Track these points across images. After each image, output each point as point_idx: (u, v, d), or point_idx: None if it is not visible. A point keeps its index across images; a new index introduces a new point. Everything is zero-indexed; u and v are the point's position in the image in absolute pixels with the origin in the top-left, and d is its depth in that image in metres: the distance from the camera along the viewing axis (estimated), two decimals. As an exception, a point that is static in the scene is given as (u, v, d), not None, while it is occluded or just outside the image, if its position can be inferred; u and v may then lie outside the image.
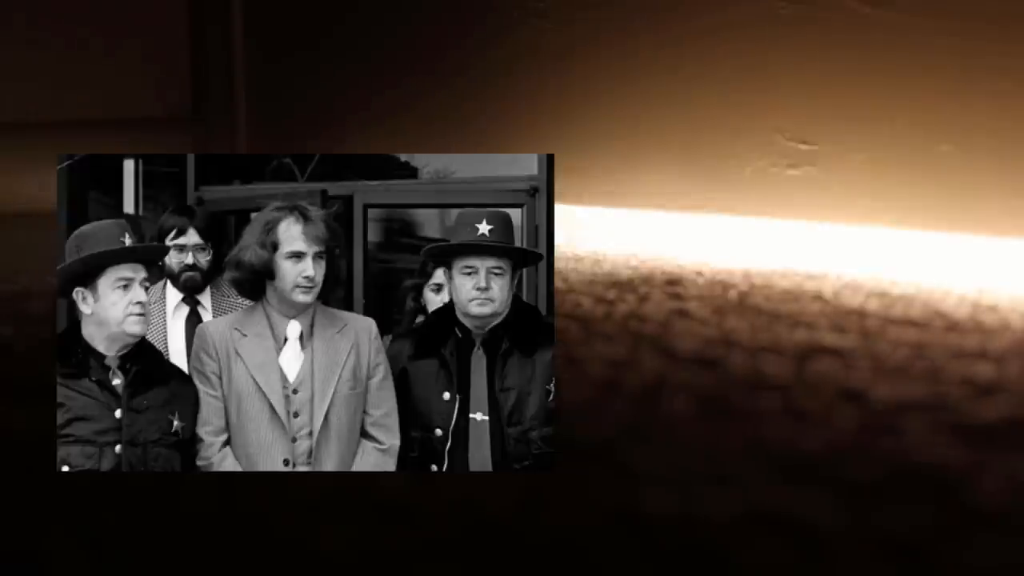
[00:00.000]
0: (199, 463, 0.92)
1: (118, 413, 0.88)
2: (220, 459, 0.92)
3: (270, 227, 0.94)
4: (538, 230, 1.58)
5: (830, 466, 0.74)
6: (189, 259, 1.26)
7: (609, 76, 1.76)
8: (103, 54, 2.22)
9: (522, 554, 0.62)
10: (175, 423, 0.90)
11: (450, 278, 1.00)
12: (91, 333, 0.90)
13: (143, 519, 0.67)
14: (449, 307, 1.01)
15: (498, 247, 0.98)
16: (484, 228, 0.99)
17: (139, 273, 0.90)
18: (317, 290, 0.94)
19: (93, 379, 0.88)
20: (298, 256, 0.93)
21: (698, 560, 0.61)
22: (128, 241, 0.90)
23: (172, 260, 1.25)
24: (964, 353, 1.01)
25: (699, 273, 1.43)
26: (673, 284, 1.36)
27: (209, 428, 0.92)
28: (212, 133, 2.28)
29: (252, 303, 0.96)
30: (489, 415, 0.97)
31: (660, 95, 1.71)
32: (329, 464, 0.92)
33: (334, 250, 0.95)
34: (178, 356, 1.21)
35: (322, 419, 0.93)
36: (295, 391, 0.93)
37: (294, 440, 0.92)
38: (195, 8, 2.30)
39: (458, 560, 0.61)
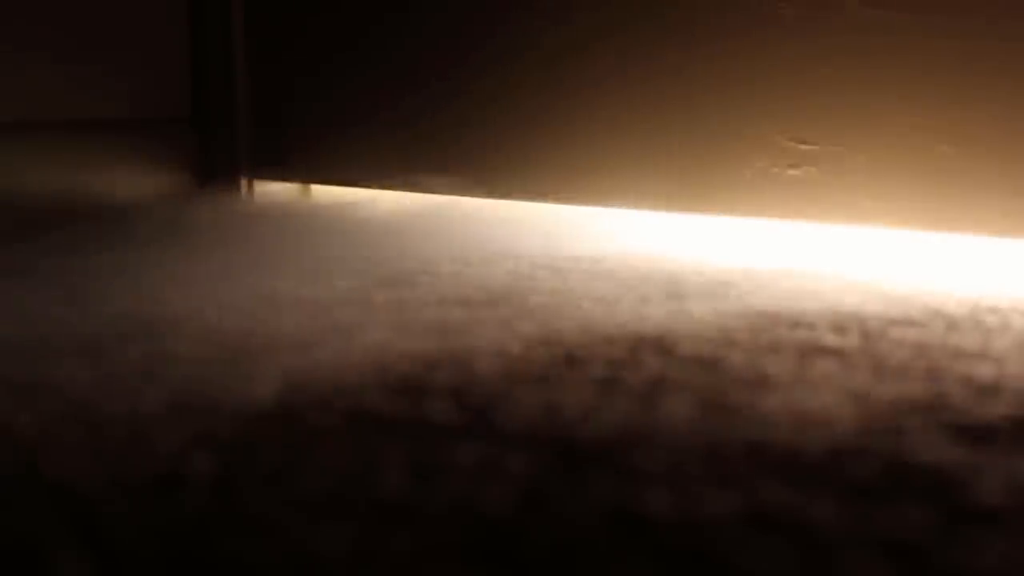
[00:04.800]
0: None
1: None
2: None
3: None
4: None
5: (830, 466, 0.74)
6: None
7: (607, 75, 1.76)
8: (103, 54, 2.22)
9: (522, 554, 0.62)
10: None
11: None
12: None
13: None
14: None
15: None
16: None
17: None
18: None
19: None
20: None
21: (698, 560, 0.61)
22: None
23: None
24: (964, 353, 1.01)
25: (699, 273, 1.43)
26: (673, 284, 1.36)
27: None
28: (212, 135, 2.28)
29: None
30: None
31: (659, 95, 1.71)
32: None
33: None
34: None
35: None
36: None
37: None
38: (195, 9, 2.30)
39: (458, 560, 0.61)
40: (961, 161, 1.45)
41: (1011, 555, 0.61)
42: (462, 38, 1.94)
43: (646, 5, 1.71)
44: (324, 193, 2.45)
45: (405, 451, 0.78)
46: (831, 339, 1.07)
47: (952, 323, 1.13)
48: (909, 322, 1.14)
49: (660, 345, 1.06)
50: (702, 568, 0.60)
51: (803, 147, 1.57)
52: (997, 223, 1.42)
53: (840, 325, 1.12)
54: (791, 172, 1.58)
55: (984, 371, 0.95)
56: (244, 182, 2.39)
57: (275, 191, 2.46)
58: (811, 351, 1.03)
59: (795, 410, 0.86)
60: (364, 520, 0.67)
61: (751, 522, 0.65)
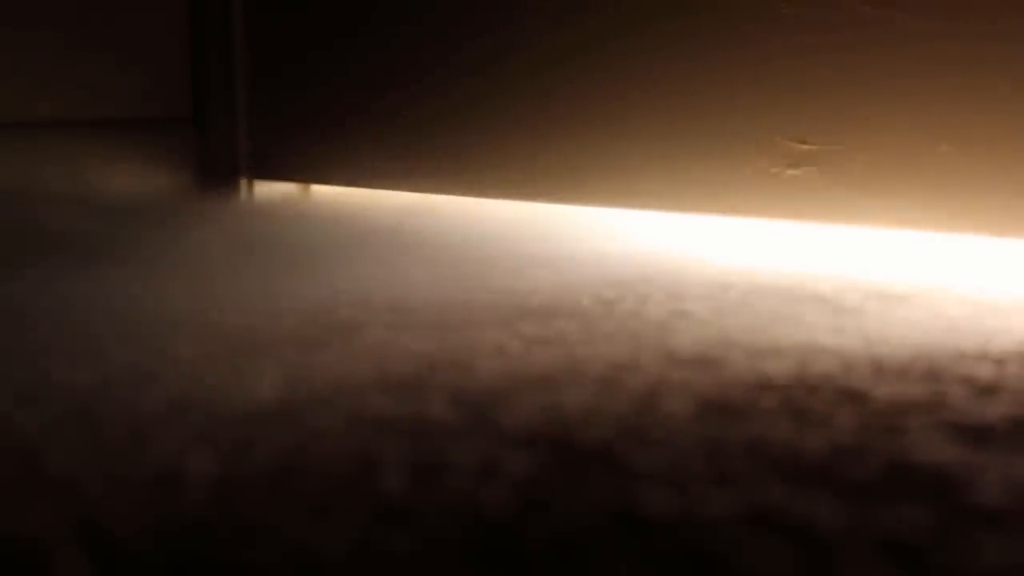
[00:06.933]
0: None
1: None
2: None
3: None
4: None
5: (830, 466, 0.74)
6: None
7: (608, 76, 1.76)
8: (103, 54, 2.22)
9: (522, 554, 0.62)
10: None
11: None
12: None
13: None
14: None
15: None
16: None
17: None
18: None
19: None
20: None
21: (698, 560, 0.61)
22: None
23: None
24: (964, 353, 1.01)
25: (699, 273, 1.43)
26: (673, 284, 1.36)
27: None
28: (213, 135, 2.28)
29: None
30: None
31: (659, 95, 1.71)
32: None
33: None
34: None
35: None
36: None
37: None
38: (195, 9, 2.30)
39: (458, 560, 0.61)
40: (961, 161, 1.45)
41: (1011, 555, 0.61)
42: (462, 40, 1.94)
43: (643, 7, 1.71)
44: (324, 193, 2.45)
45: (405, 451, 0.78)
46: (831, 339, 1.07)
47: (952, 323, 1.13)
48: (909, 322, 1.14)
49: (660, 344, 1.06)
50: (702, 568, 0.60)
51: (803, 147, 1.57)
52: (997, 223, 1.42)
53: (840, 325, 1.12)
54: (791, 172, 1.58)
55: (984, 371, 0.95)
56: (244, 182, 2.39)
57: (275, 190, 2.47)
58: (811, 351, 1.03)
59: (794, 410, 0.86)
60: (364, 520, 0.67)
61: (751, 522, 0.65)
